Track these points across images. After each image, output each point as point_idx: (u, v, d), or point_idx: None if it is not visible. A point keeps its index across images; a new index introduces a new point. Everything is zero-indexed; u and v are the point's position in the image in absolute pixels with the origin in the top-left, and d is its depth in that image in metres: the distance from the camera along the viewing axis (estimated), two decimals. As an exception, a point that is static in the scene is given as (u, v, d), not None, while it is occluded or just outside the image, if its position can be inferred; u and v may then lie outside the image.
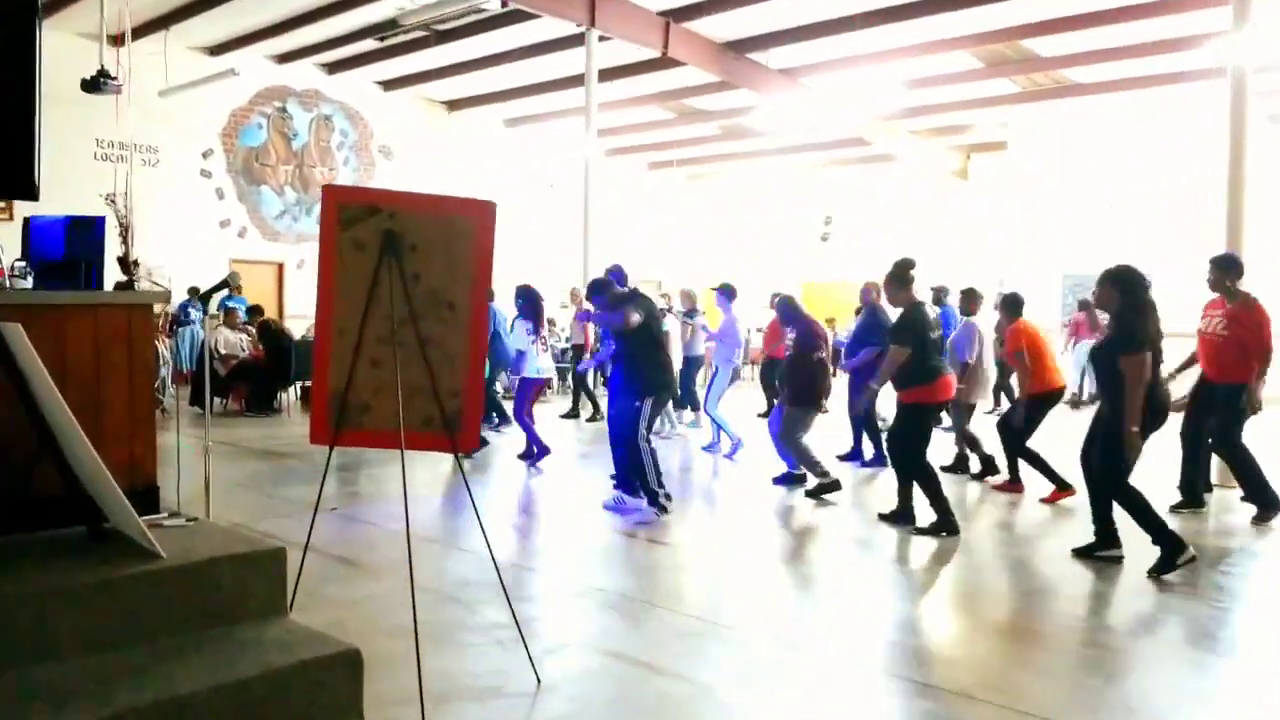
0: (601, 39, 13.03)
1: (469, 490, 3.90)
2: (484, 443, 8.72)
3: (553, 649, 3.92)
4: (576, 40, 13.46)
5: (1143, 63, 13.86)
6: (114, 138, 14.70)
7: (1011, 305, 7.34)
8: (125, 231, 3.53)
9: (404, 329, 3.35)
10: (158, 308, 11.69)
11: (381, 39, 15.09)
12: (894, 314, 6.48)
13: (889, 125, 18.07)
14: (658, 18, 13.26)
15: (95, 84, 9.26)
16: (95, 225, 3.81)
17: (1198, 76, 13.86)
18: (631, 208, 21.26)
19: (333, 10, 13.48)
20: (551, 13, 12.35)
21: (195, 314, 14.20)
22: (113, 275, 3.51)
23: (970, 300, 8.18)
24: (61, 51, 12.01)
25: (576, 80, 14.34)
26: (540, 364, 8.54)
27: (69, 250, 3.69)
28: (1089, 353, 6.05)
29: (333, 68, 16.81)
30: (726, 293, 9.41)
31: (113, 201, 3.55)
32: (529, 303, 8.66)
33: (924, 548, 5.75)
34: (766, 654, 3.97)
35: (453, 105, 18.63)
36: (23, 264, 3.61)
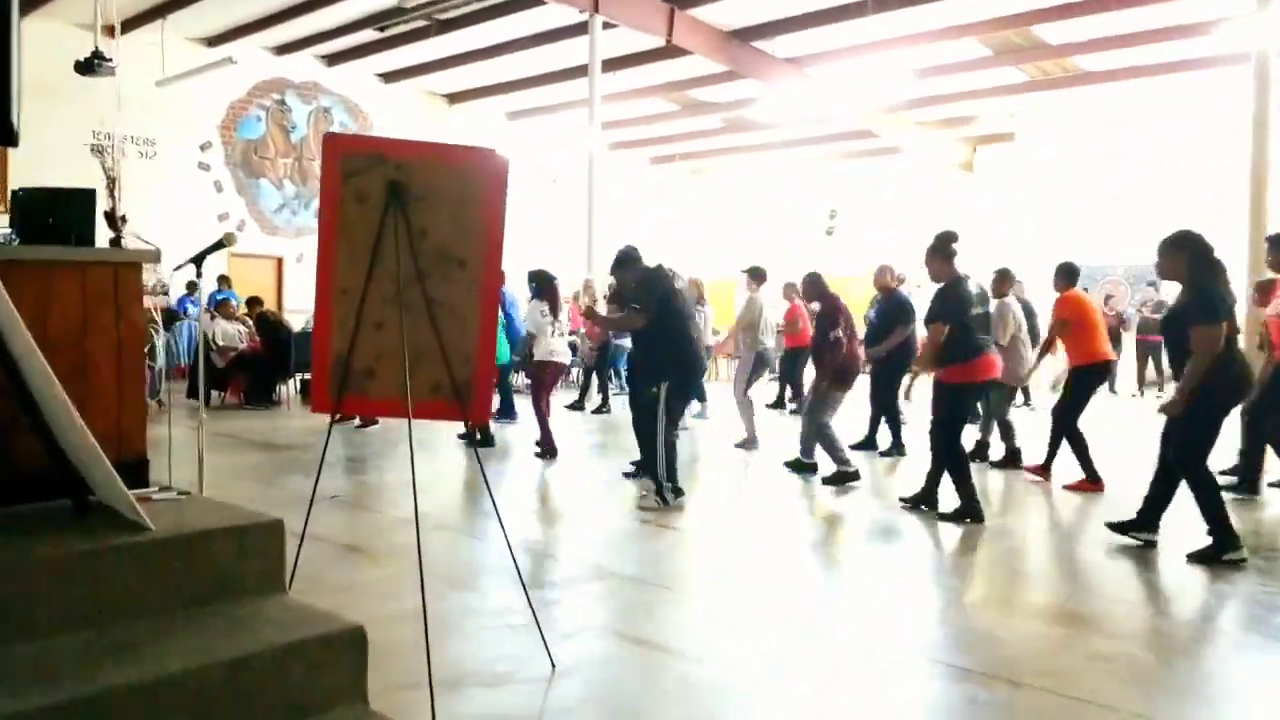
0: (605, 26, 12.82)
1: (483, 471, 3.70)
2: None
3: (568, 634, 3.70)
4: (579, 29, 13.25)
5: (1154, 49, 13.64)
6: (110, 129, 14.51)
7: (1065, 274, 7.01)
8: (112, 185, 3.30)
9: (410, 289, 3.13)
10: (152, 301, 11.49)
11: (381, 29, 14.88)
12: (919, 295, 6.26)
13: (895, 116, 17.85)
14: (662, 4, 13.06)
15: (89, 66, 9.05)
16: (85, 197, 3.60)
17: (1211, 63, 13.67)
18: (635, 202, 21.04)
19: (331, 0, 13.28)
20: (555, -2, 12.15)
21: (193, 309, 13.99)
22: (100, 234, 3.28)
23: (1003, 281, 7.90)
24: (56, 39, 11.85)
25: (579, 71, 14.13)
26: (554, 346, 8.21)
27: (58, 222, 3.47)
28: (1161, 323, 5.76)
29: (332, 59, 16.60)
30: (756, 275, 9.12)
31: (100, 152, 3.32)
32: (544, 285, 8.39)
33: (951, 534, 5.53)
34: (790, 639, 3.75)
35: (454, 98, 18.42)
36: (8, 232, 3.39)
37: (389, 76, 17.36)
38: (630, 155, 21.51)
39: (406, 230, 3.08)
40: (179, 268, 4.17)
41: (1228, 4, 11.30)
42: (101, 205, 3.20)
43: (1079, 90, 15.84)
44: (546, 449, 7.92)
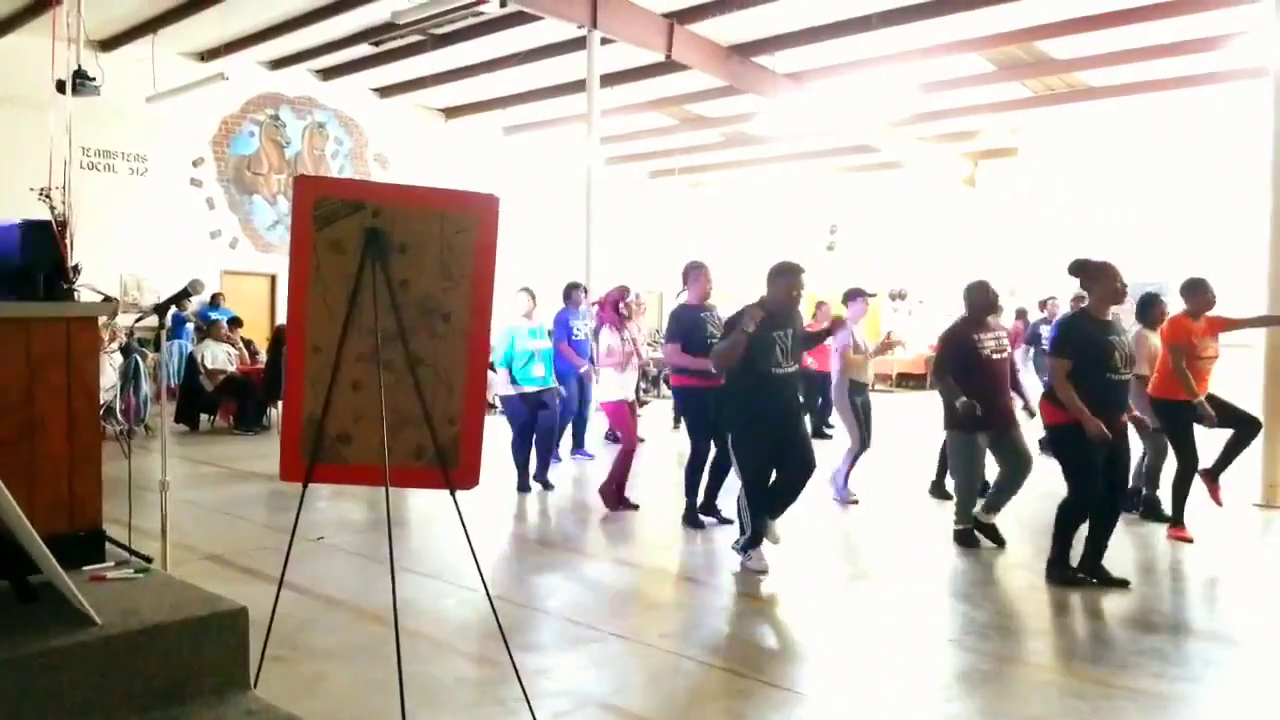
0: (603, 42, 12.59)
1: (463, 523, 3.39)
2: (549, 485, 7.76)
3: (563, 711, 3.42)
4: (577, 44, 13.02)
5: (1162, 64, 13.43)
6: (101, 145, 14.26)
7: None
8: (63, 230, 3.04)
9: (390, 346, 2.87)
10: (148, 321, 11.21)
11: (376, 44, 14.66)
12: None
13: (897, 131, 17.65)
14: (661, 19, 12.84)
15: (73, 86, 8.80)
16: (47, 230, 3.33)
17: (1221, 78, 13.45)
18: (633, 217, 20.80)
19: (326, 14, 13.04)
20: (552, 14, 11.91)
21: (189, 326, 13.72)
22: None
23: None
24: (41, 57, 11.59)
25: (578, 86, 13.89)
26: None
27: (26, 258, 3.19)
28: None
29: (327, 74, 16.38)
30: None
31: (48, 197, 3.06)
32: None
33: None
34: (826, 717, 3.46)
35: (450, 112, 18.19)
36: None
37: (385, 91, 17.13)
38: (629, 169, 21.29)
39: (386, 283, 2.81)
40: (140, 319, 3.89)
41: (1239, 18, 11.09)
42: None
43: (1083, 105, 15.63)
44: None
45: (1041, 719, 3.43)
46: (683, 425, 7.32)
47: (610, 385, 7.06)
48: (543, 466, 7.72)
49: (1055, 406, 5.01)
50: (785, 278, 5.26)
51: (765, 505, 5.30)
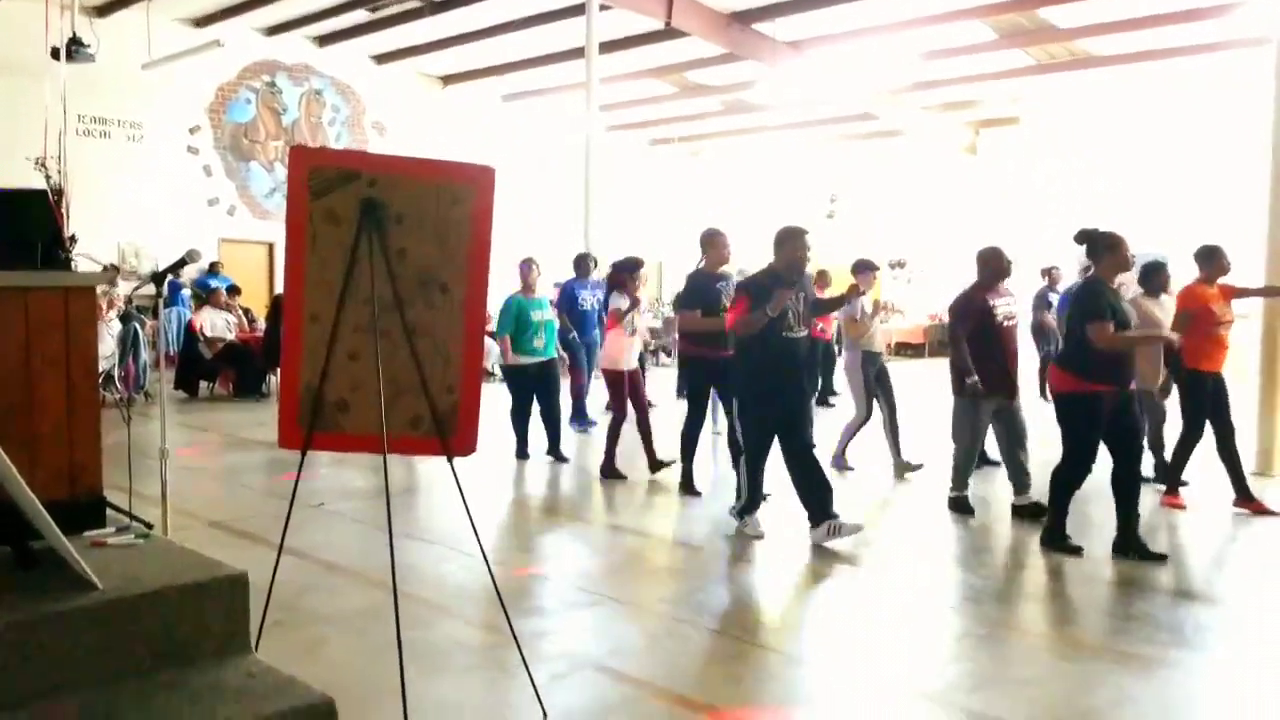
0: (602, 8, 12.48)
1: (460, 490, 3.42)
2: (563, 458, 7.58)
3: (561, 673, 3.47)
4: (576, 10, 12.90)
5: (1162, 33, 13.31)
6: (97, 112, 14.17)
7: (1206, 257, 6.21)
8: (59, 200, 3.03)
9: (387, 315, 2.88)
10: (147, 289, 11.19)
11: (374, 9, 14.53)
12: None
13: (897, 99, 17.52)
14: (661, -14, 12.73)
15: (67, 53, 8.73)
16: (43, 199, 3.33)
17: (1224, 47, 13.34)
18: (633, 185, 20.72)
19: (322, -22, 12.93)
20: (551, -21, 11.80)
21: (185, 292, 13.72)
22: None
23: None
24: (36, 22, 11.50)
25: (576, 53, 13.79)
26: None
27: (14, 228, 3.20)
28: None
29: (323, 40, 16.25)
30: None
31: (43, 166, 3.06)
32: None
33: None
34: (822, 681, 3.52)
35: (448, 80, 18.06)
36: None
37: (382, 58, 17.00)
38: (628, 137, 21.16)
39: (383, 253, 2.82)
40: (137, 288, 3.90)
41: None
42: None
43: (1085, 74, 15.51)
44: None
45: (1031, 681, 3.48)
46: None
47: (610, 352, 7.06)
48: (554, 441, 7.63)
49: (1068, 374, 4.97)
50: (792, 241, 5.22)
51: (761, 472, 5.34)
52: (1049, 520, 5.18)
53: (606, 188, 15.50)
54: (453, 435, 2.96)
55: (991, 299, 5.83)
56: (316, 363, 2.87)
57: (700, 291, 6.18)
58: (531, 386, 7.63)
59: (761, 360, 5.15)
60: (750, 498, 5.36)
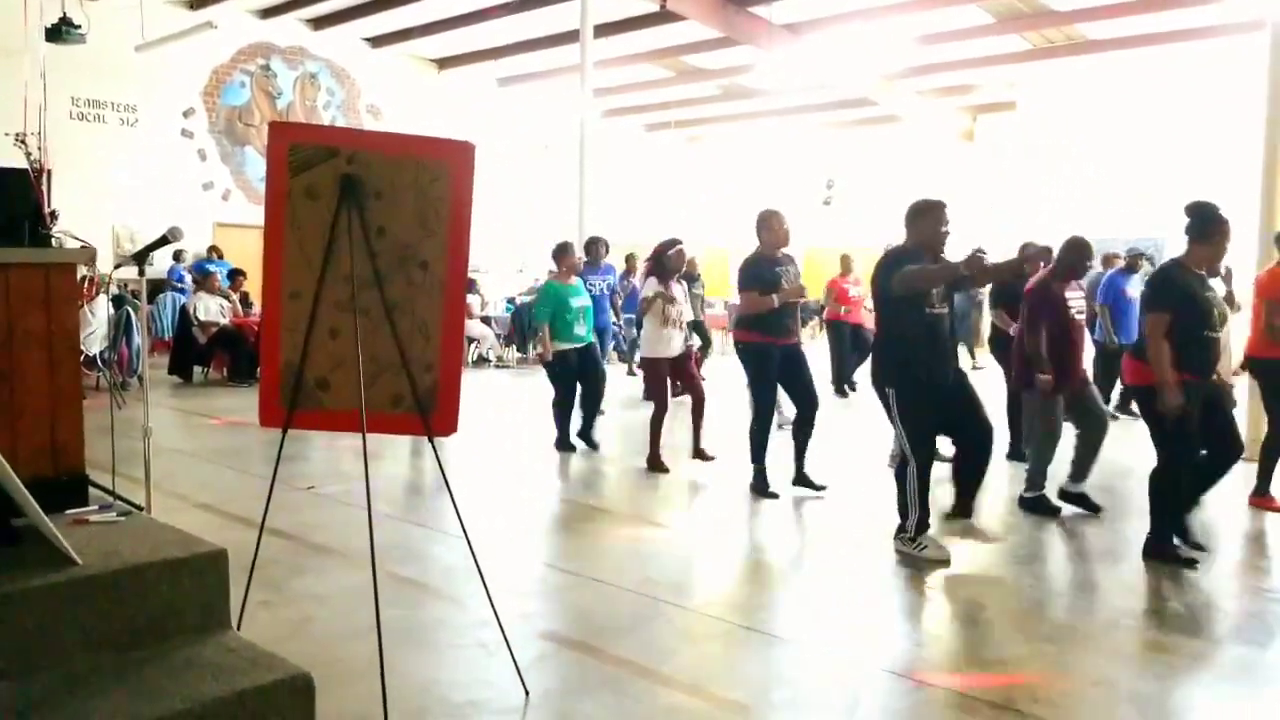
0: (598, -10, 12.42)
1: (441, 468, 3.43)
2: (594, 444, 7.45)
3: (545, 654, 3.49)
4: (571, -7, 12.83)
5: (1160, 18, 13.26)
6: (91, 95, 14.11)
7: None
8: (39, 176, 3.03)
9: (367, 293, 2.88)
10: (130, 272, 11.10)
11: (368, -9, 14.46)
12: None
13: (894, 84, 17.45)
14: (656, -32, 12.65)
15: (58, 33, 8.68)
16: (23, 176, 3.32)
17: (1221, 31, 13.29)
18: (629, 170, 20.67)
19: (315, -40, 12.85)
20: (545, -39, 11.73)
21: (186, 277, 13.67)
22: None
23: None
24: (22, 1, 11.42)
25: (572, 36, 13.72)
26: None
27: (3, 204, 3.19)
28: None
29: (318, 23, 16.15)
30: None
31: (23, 142, 3.05)
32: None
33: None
34: (806, 663, 3.54)
35: (443, 63, 17.97)
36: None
37: (377, 41, 16.92)
38: (624, 122, 21.09)
39: (363, 230, 2.82)
40: (118, 265, 3.90)
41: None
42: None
43: (1082, 59, 15.45)
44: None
45: (1009, 662, 3.50)
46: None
47: (648, 341, 6.80)
48: (588, 424, 7.44)
49: (1144, 364, 4.61)
50: (930, 215, 4.80)
51: (928, 479, 4.77)
52: (1152, 530, 4.71)
53: (603, 173, 15.47)
54: (433, 413, 2.96)
55: (1066, 292, 5.66)
56: (297, 341, 2.87)
57: (758, 274, 5.85)
58: (575, 373, 7.33)
59: (915, 339, 4.65)
60: (922, 513, 4.75)
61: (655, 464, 6.69)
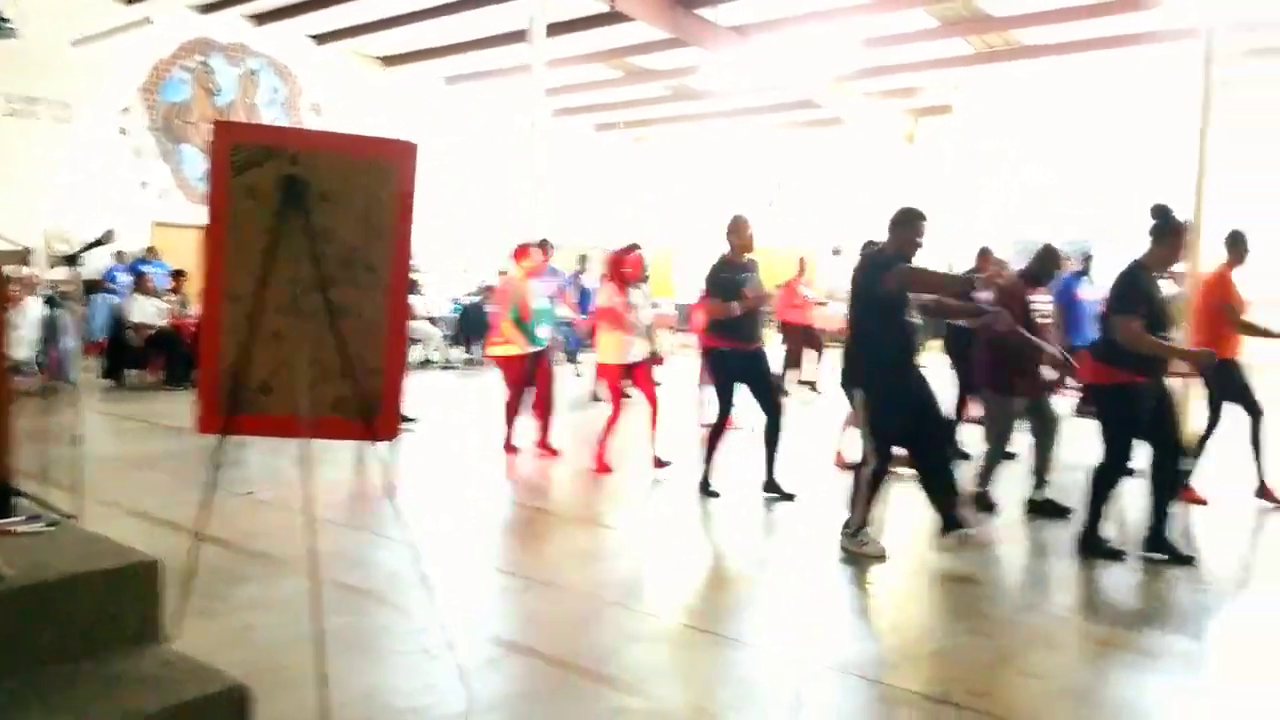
0: (546, -10, 12.36)
1: (383, 475, 3.40)
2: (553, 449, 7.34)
3: (491, 659, 3.47)
4: (520, -9, 12.76)
5: (1096, 24, 13.58)
6: (23, 91, 13.69)
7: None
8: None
9: (311, 296, 2.83)
10: (63, 272, 10.79)
11: (311, -13, 14.24)
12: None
13: (839, 87, 17.65)
14: (604, -31, 12.65)
15: (-12, 27, 8.44)
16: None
17: (1156, 38, 13.64)
18: (577, 170, 20.64)
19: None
20: (492, -40, 11.66)
21: (124, 278, 13.31)
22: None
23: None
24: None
25: (520, 35, 13.66)
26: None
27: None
28: None
29: (260, 19, 15.87)
30: None
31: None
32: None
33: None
34: (753, 663, 3.55)
35: (389, 61, 17.77)
36: None
37: (321, 38, 16.66)
38: (573, 122, 21.05)
39: (308, 232, 2.77)
40: (53, 266, 3.79)
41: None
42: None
43: (1021, 64, 15.77)
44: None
45: (946, 652, 3.57)
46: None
47: (609, 347, 6.66)
48: (545, 430, 7.30)
49: (1106, 366, 4.75)
50: (910, 225, 4.79)
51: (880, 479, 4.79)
52: (1086, 523, 4.87)
53: (552, 172, 15.40)
54: (376, 417, 2.93)
55: (1034, 296, 5.70)
56: (237, 344, 2.81)
57: (725, 280, 5.84)
58: (527, 378, 7.19)
59: (895, 352, 4.71)
60: (868, 512, 4.81)
61: (600, 465, 6.66)
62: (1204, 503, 5.89)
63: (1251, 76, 13.78)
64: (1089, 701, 3.22)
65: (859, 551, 4.77)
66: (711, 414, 6.16)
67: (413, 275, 7.60)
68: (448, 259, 17.18)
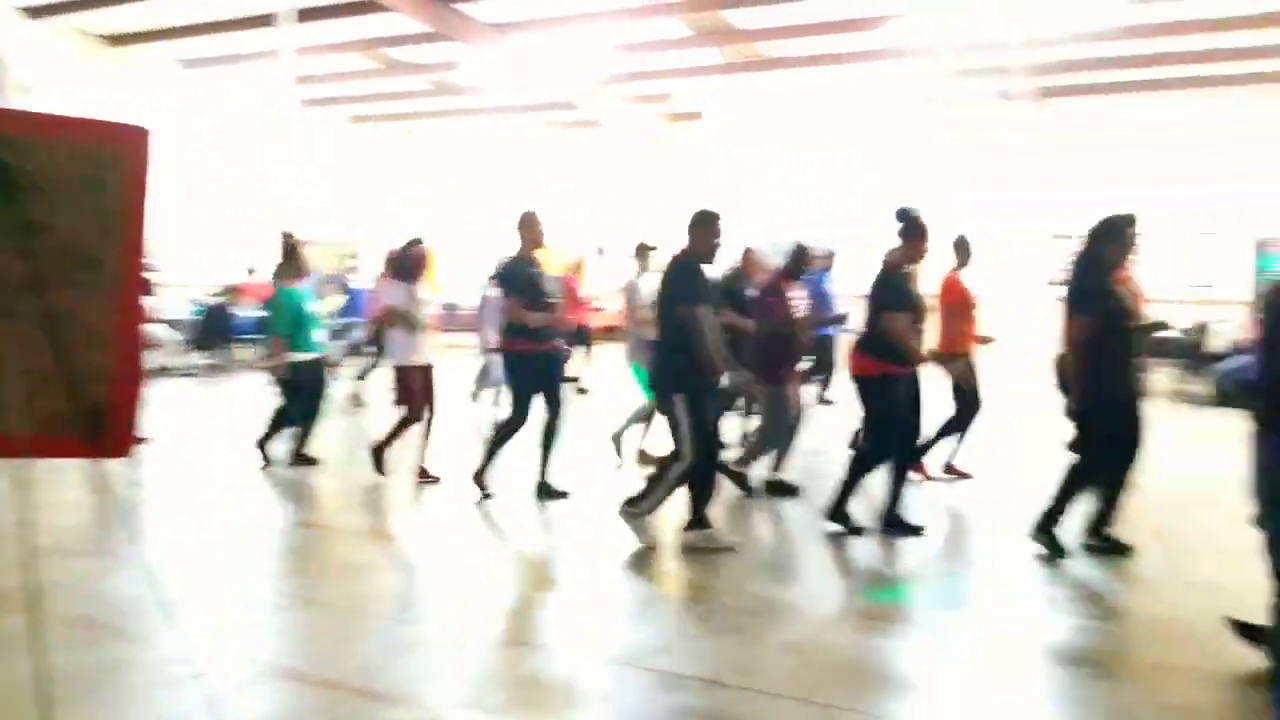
0: (294, -28, 11.73)
1: (111, 491, 3.09)
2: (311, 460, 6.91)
3: (244, 681, 3.25)
4: (265, -27, 12.04)
5: (833, 40, 14.59)
6: None
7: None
8: None
9: (22, 298, 2.52)
10: None
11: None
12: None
13: (597, 90, 17.96)
14: (358, -46, 12.16)
15: None
16: None
17: (879, 56, 14.82)
18: (334, 163, 19.77)
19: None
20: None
21: None
22: None
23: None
24: None
25: (266, 20, 12.89)
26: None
27: None
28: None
29: (-44, -15, 14.02)
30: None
31: None
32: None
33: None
34: (525, 664, 3.52)
35: (116, 40, 16.19)
36: None
37: (35, 11, 14.90)
38: (328, 113, 20.12)
39: (18, 226, 2.46)
40: None
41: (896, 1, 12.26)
42: None
43: (768, 74, 16.68)
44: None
45: (703, 636, 3.72)
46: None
47: (398, 348, 6.36)
48: (303, 440, 6.94)
49: (869, 358, 5.07)
50: (707, 226, 4.95)
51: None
52: (838, 498, 5.18)
53: (304, 165, 14.68)
54: (106, 433, 2.65)
55: (790, 291, 5.97)
56: (-72, 354, 2.45)
57: (520, 279, 5.76)
58: (305, 386, 6.81)
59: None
60: (659, 505, 4.94)
61: (379, 461, 6.37)
62: (929, 478, 6.48)
63: (966, 95, 15.35)
64: (847, 669, 3.44)
65: (633, 529, 4.92)
66: (503, 414, 6.02)
67: (146, 275, 7.00)
68: (189, 258, 15.96)
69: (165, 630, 3.39)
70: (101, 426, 2.60)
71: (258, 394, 10.99)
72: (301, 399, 6.81)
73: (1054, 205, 15.73)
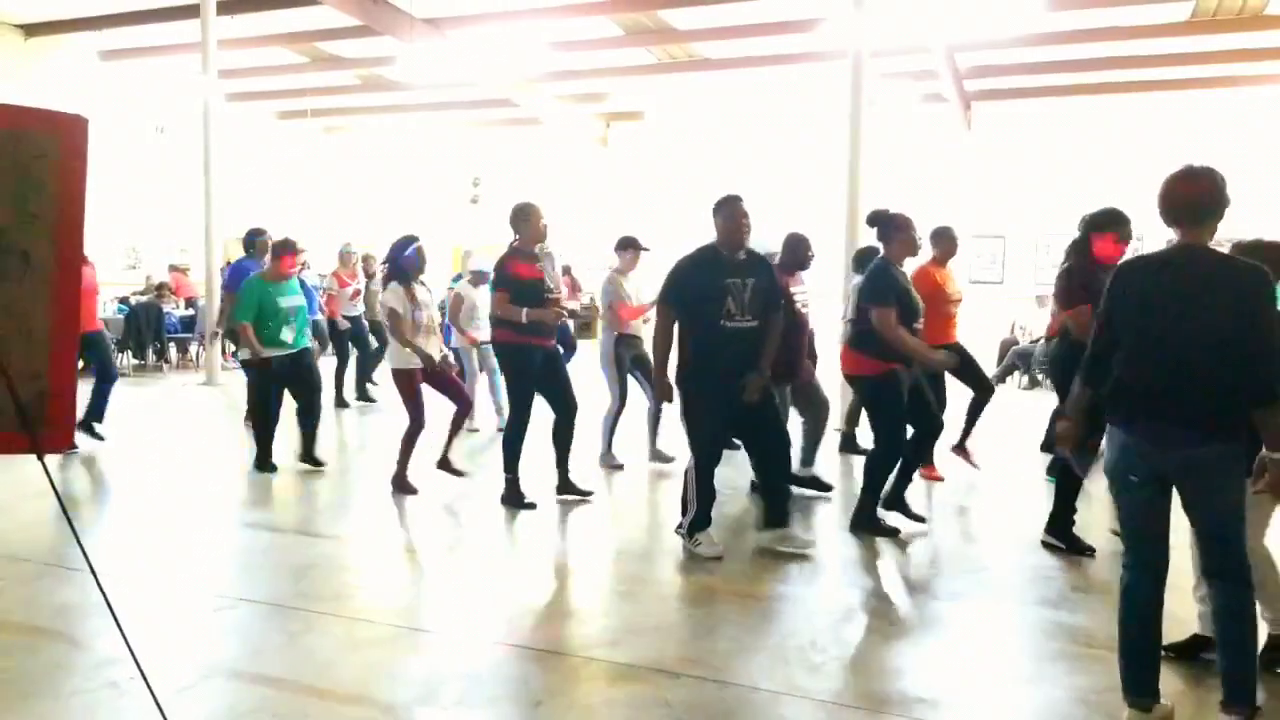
0: (221, -36, 11.46)
1: (56, 491, 2.98)
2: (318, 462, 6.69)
3: (189, 684, 3.18)
4: (189, -39, 11.73)
5: (767, 41, 14.76)
6: None
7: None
8: None
9: (-48, 290, 2.44)
10: None
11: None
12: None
13: (534, 88, 17.89)
14: (286, -54, 11.92)
15: None
16: None
17: (812, 58, 15.05)
18: (260, 159, 19.34)
19: None
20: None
21: None
22: None
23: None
24: None
25: (190, 11, 12.58)
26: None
27: None
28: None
29: None
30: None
31: None
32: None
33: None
34: (481, 657, 3.50)
35: (31, 30, 15.61)
36: None
37: (-61, -2, 14.31)
38: (253, 107, 19.67)
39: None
40: None
41: (827, 4, 12.46)
42: None
43: (702, 75, 16.80)
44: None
45: (664, 628, 3.75)
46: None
47: (397, 351, 6.02)
48: (309, 443, 6.67)
49: (866, 357, 4.99)
50: (726, 209, 4.81)
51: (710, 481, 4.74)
52: (862, 503, 5.12)
53: (229, 161, 14.34)
54: (42, 429, 2.57)
55: (791, 285, 5.76)
56: None
57: (512, 275, 5.54)
58: (276, 384, 6.60)
59: (703, 354, 4.62)
60: (698, 511, 4.72)
61: (401, 484, 6.02)
62: (941, 479, 6.38)
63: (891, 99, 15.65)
64: (805, 660, 3.50)
65: (694, 550, 4.71)
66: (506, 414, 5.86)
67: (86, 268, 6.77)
68: (111, 254, 15.48)
69: (105, 633, 3.29)
70: (40, 422, 2.53)
71: (189, 395, 10.75)
72: (264, 397, 6.59)
73: (976, 206, 16.20)
